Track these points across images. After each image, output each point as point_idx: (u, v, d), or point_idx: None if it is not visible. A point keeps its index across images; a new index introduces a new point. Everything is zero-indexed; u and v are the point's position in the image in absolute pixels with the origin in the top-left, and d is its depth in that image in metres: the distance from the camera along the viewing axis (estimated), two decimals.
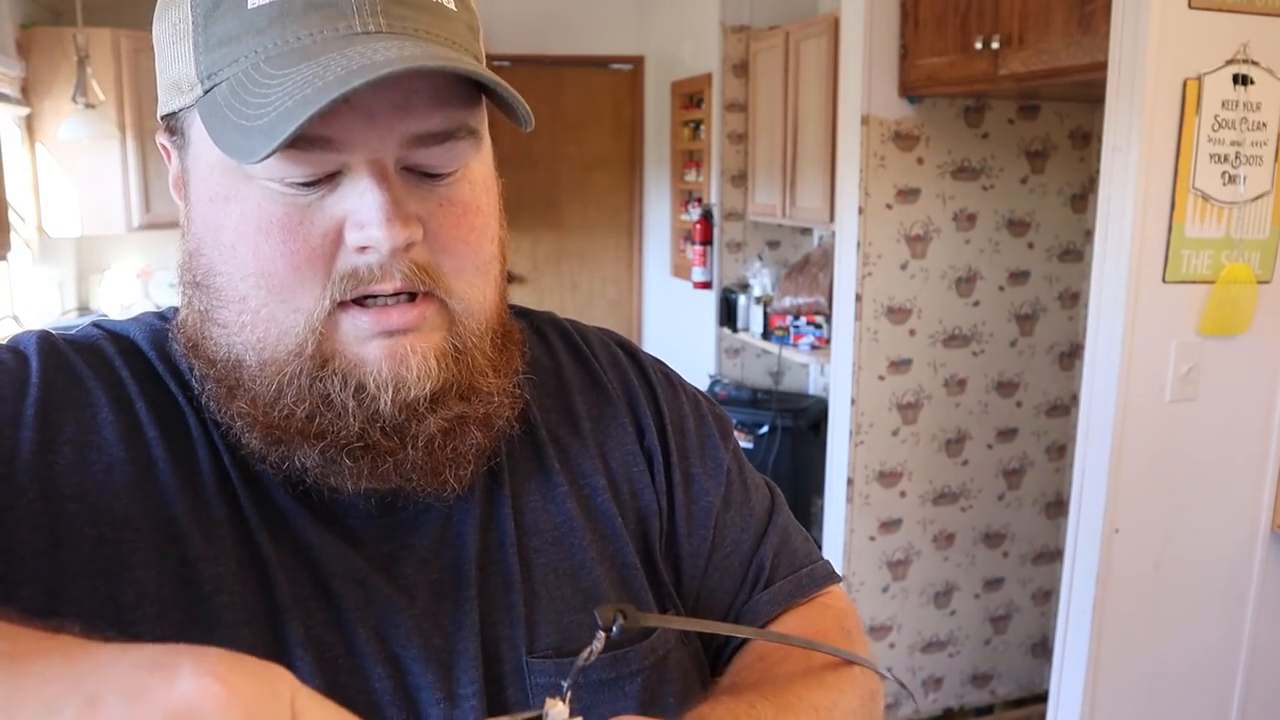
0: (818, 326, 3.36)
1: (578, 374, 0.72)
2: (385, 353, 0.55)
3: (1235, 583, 1.97)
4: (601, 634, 0.52)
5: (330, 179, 0.54)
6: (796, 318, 3.41)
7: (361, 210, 0.53)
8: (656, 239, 5.01)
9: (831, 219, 2.95)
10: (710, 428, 0.74)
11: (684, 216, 4.49)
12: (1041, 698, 2.69)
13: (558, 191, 5.15)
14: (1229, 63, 1.72)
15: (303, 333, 0.54)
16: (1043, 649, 3.02)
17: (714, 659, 0.72)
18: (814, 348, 3.38)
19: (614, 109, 5.12)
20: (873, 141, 2.57)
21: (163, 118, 0.60)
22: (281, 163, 0.52)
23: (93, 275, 4.15)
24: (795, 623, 0.71)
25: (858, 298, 2.64)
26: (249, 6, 0.53)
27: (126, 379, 0.59)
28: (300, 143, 0.50)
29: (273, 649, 0.55)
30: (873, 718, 0.68)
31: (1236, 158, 1.76)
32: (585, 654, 0.52)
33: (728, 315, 3.93)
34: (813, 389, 3.99)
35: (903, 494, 2.80)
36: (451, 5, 0.57)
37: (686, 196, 4.48)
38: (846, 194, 2.65)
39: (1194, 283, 1.80)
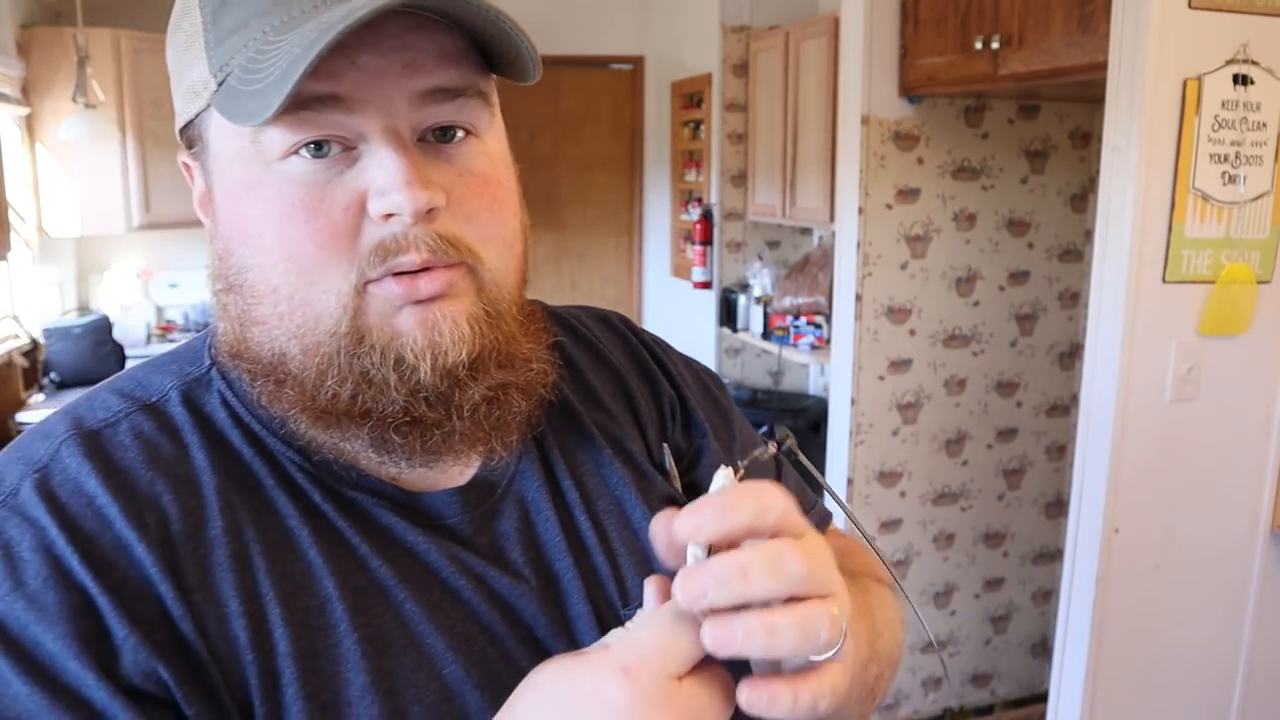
0: (818, 326, 3.36)
1: (585, 356, 0.75)
2: (417, 321, 0.55)
3: (1235, 583, 1.97)
4: (773, 445, 0.61)
5: (347, 154, 0.54)
6: (796, 318, 3.41)
7: (381, 178, 0.53)
8: (656, 239, 5.01)
9: (831, 219, 2.95)
10: (707, 382, 0.81)
11: (684, 216, 4.48)
12: (1041, 698, 2.69)
13: (558, 191, 5.14)
14: (1229, 63, 1.72)
15: (336, 311, 0.54)
16: (1043, 649, 3.02)
17: None
18: (814, 348, 3.37)
19: (614, 109, 5.11)
20: (873, 141, 2.57)
21: (182, 132, 0.60)
22: (295, 129, 0.53)
23: (93, 275, 4.16)
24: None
25: (858, 298, 2.64)
26: None
27: (202, 469, 0.57)
28: (312, 104, 0.52)
29: (424, 659, 0.56)
30: (898, 639, 0.73)
31: (1236, 158, 1.76)
32: (760, 451, 0.61)
33: (728, 315, 3.93)
34: (813, 389, 3.99)
35: (903, 494, 2.80)
36: None
37: (686, 196, 4.48)
38: (846, 194, 2.65)
39: (1194, 283, 1.80)
